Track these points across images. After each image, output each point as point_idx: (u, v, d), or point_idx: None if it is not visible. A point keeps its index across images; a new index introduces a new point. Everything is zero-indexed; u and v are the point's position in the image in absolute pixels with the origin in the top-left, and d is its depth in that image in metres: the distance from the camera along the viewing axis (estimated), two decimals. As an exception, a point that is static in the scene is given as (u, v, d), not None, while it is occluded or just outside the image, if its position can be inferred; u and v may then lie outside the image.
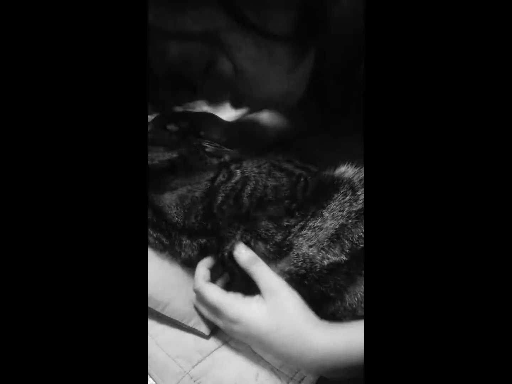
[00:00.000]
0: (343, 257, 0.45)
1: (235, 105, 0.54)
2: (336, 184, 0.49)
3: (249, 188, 0.50)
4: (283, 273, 0.47)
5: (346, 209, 0.47)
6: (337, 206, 0.48)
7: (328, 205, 0.48)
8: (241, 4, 0.39)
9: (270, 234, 0.47)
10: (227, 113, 0.57)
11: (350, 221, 0.46)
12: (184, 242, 0.50)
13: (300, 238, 0.46)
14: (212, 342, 0.51)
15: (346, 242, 0.45)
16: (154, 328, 0.52)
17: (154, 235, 0.52)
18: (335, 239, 0.46)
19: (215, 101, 0.56)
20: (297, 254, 0.46)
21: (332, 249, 0.45)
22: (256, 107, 0.55)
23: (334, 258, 0.45)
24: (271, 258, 0.47)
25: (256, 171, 0.52)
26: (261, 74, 0.47)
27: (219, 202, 0.50)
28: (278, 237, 0.47)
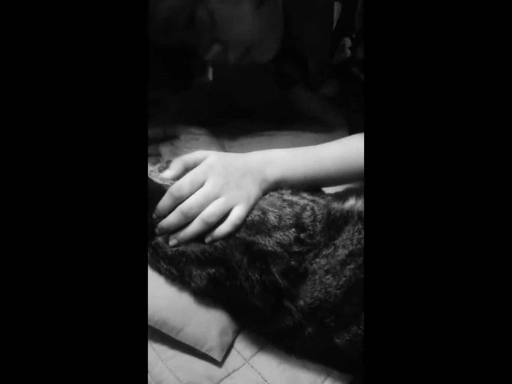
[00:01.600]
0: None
1: (214, 44, 0.61)
2: (346, 217, 0.52)
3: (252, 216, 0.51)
4: (299, 310, 0.47)
5: (356, 237, 0.49)
6: (347, 236, 0.50)
7: (340, 236, 0.50)
8: None
9: (283, 259, 0.49)
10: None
11: (359, 246, 0.48)
12: (194, 272, 0.51)
13: (314, 265, 0.48)
14: (223, 370, 0.52)
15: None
16: (166, 353, 0.52)
17: (164, 265, 0.53)
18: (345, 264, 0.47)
19: (200, 46, 0.63)
20: (314, 279, 0.48)
21: (344, 274, 0.47)
22: (236, 49, 0.62)
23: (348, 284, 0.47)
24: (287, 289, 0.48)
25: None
26: (231, 13, 0.56)
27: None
28: (292, 262, 0.49)
